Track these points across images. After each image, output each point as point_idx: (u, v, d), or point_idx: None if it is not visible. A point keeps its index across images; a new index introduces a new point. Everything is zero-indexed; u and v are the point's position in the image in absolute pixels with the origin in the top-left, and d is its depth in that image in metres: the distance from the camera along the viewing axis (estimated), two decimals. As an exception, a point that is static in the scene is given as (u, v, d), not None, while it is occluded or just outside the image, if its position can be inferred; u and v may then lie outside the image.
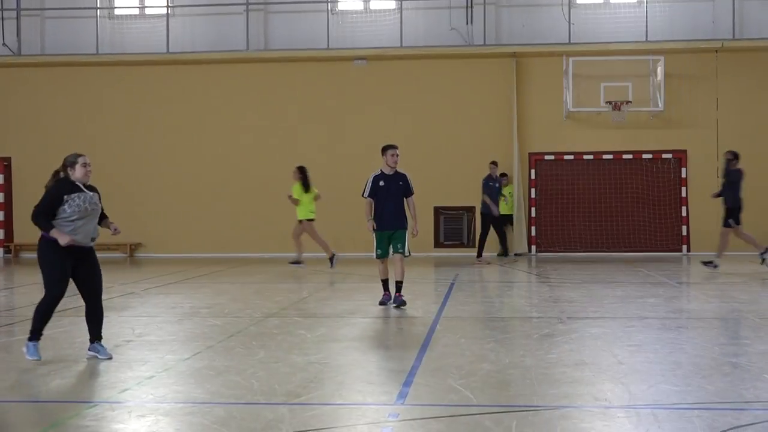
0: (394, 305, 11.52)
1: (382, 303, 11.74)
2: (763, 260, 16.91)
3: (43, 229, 7.95)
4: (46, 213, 7.94)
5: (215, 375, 7.33)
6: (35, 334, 8.01)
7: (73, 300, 13.22)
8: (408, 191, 11.80)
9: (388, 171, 11.72)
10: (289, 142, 22.87)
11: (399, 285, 11.69)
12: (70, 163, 8.12)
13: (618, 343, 8.77)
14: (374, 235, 11.70)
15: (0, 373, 7.52)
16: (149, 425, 5.81)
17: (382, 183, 11.62)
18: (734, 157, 17.08)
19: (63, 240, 7.82)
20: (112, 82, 23.43)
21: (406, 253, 11.70)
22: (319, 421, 5.86)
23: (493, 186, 19.70)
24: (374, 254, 11.77)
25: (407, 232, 11.79)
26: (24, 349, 7.99)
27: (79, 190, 8.06)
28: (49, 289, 7.98)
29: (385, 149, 11.81)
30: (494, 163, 20.26)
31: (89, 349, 8.21)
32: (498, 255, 21.80)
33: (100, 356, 8.09)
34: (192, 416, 6.04)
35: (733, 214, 16.91)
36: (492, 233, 20.02)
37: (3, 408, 6.34)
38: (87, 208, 8.02)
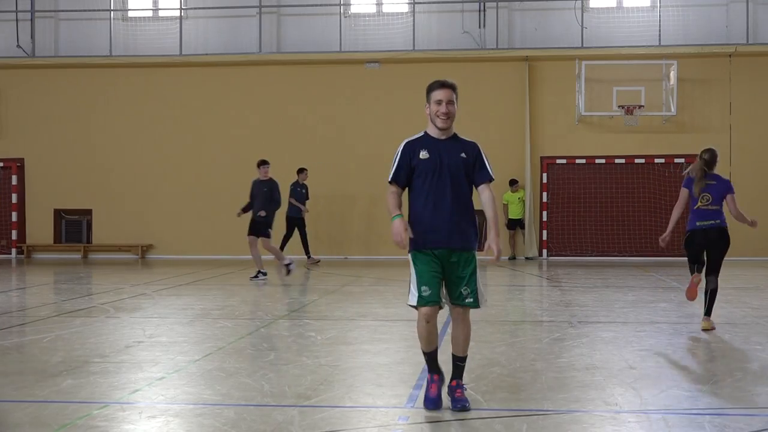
0: (456, 407, 6.12)
1: (430, 404, 6.18)
2: (289, 271, 16.16)
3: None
4: None
5: (226, 376, 7.34)
6: None
7: (84, 301, 13.28)
8: (482, 172, 6.28)
9: (436, 132, 6.27)
10: (301, 145, 22.89)
11: (460, 366, 6.33)
12: None
13: (629, 348, 8.74)
14: (410, 258, 6.20)
15: (12, 374, 7.55)
16: (160, 426, 5.83)
17: (425, 154, 6.19)
18: (262, 164, 16.43)
19: None
20: (125, 83, 23.52)
21: (481, 304, 6.23)
22: (329, 423, 5.86)
23: (300, 192, 20.41)
24: (411, 297, 6.15)
25: (475, 255, 6.30)
26: None
27: None
28: None
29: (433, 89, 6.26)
30: (302, 170, 20.70)
31: None
32: (507, 259, 21.84)
33: None
34: (202, 418, 6.05)
35: (266, 225, 16.06)
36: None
37: (14, 408, 6.36)
38: None
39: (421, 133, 6.34)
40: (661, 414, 6.08)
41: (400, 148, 6.27)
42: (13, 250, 23.65)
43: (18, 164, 23.74)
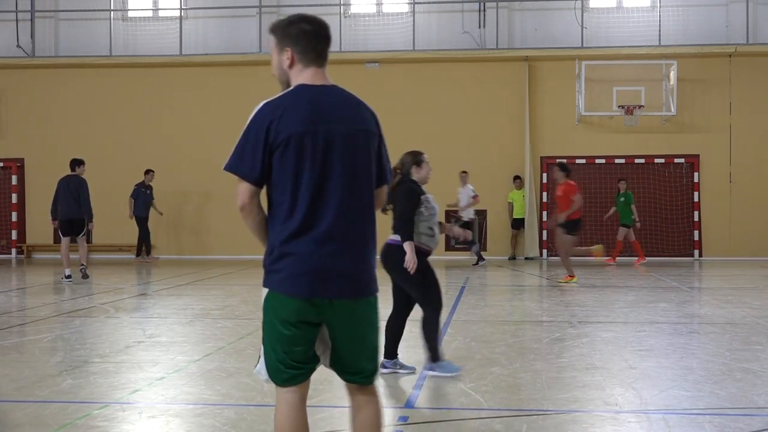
0: None
1: None
2: (67, 277, 15.92)
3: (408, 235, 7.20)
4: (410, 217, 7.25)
5: (226, 376, 7.34)
6: (436, 355, 7.34)
7: (84, 301, 13.28)
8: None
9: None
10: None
11: None
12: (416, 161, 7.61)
13: (629, 348, 8.74)
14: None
15: (12, 374, 7.55)
16: (160, 426, 5.83)
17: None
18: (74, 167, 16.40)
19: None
20: (125, 83, 23.51)
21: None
22: (329, 423, 5.86)
23: (145, 192, 21.66)
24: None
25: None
26: (438, 372, 7.27)
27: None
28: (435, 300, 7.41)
29: None
30: (148, 171, 21.89)
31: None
32: (507, 259, 21.84)
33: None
34: (202, 417, 6.05)
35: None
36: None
37: (14, 408, 6.36)
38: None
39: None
40: (661, 414, 6.08)
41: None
42: (13, 250, 23.64)
43: (18, 164, 23.73)
